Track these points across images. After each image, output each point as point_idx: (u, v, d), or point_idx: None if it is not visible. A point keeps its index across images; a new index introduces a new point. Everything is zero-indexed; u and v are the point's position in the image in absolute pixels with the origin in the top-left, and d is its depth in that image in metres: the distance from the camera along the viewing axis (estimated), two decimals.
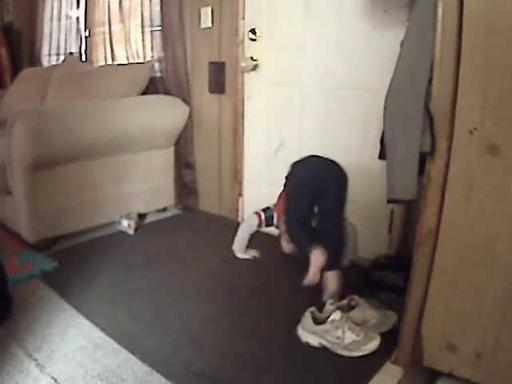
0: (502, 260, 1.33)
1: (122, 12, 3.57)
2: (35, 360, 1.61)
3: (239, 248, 2.49)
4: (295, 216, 2.15)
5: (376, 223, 2.39)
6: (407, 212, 2.26)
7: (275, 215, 2.39)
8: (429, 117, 1.39)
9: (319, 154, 2.24)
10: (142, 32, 3.41)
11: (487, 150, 1.30)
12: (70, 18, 4.22)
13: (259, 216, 2.41)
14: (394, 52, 1.53)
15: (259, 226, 2.42)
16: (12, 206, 2.50)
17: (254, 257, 2.47)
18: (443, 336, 1.49)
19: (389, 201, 1.56)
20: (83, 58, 4.16)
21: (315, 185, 2.10)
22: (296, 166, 2.27)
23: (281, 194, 2.39)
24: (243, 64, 2.75)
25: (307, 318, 1.75)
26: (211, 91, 2.99)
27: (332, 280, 2.00)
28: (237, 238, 2.49)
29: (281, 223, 2.36)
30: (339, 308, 1.75)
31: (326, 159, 2.19)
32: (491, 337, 1.39)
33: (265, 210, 2.43)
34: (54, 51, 4.45)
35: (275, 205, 2.41)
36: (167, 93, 3.16)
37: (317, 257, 1.97)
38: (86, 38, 4.15)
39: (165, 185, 3.17)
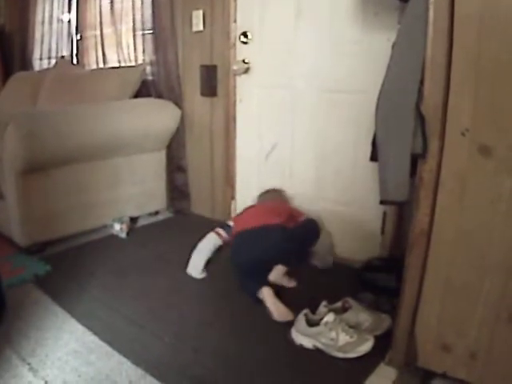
0: (494, 260, 1.34)
1: (113, 15, 3.57)
2: (29, 364, 1.60)
3: (197, 269, 2.31)
4: None
5: (369, 225, 2.39)
6: (400, 213, 2.27)
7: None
8: (420, 118, 1.40)
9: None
10: (134, 35, 3.41)
11: (479, 151, 1.31)
12: (62, 21, 4.22)
13: (220, 235, 2.35)
14: (385, 54, 1.54)
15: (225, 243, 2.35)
16: (4, 210, 2.49)
17: None
18: (437, 336, 1.50)
19: (381, 202, 1.57)
20: (75, 62, 4.16)
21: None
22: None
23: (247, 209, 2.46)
24: (235, 67, 2.75)
25: (301, 321, 1.75)
26: (203, 94, 2.99)
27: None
28: (194, 260, 2.33)
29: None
30: (333, 310, 1.75)
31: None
32: (485, 337, 1.40)
33: (223, 226, 2.38)
34: (45, 55, 4.44)
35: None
36: (159, 96, 3.15)
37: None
38: (77, 41, 4.15)
39: (157, 188, 3.16)
